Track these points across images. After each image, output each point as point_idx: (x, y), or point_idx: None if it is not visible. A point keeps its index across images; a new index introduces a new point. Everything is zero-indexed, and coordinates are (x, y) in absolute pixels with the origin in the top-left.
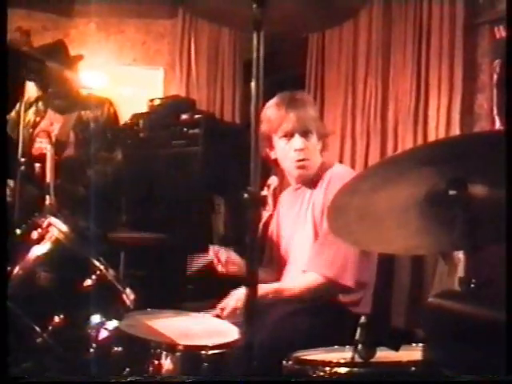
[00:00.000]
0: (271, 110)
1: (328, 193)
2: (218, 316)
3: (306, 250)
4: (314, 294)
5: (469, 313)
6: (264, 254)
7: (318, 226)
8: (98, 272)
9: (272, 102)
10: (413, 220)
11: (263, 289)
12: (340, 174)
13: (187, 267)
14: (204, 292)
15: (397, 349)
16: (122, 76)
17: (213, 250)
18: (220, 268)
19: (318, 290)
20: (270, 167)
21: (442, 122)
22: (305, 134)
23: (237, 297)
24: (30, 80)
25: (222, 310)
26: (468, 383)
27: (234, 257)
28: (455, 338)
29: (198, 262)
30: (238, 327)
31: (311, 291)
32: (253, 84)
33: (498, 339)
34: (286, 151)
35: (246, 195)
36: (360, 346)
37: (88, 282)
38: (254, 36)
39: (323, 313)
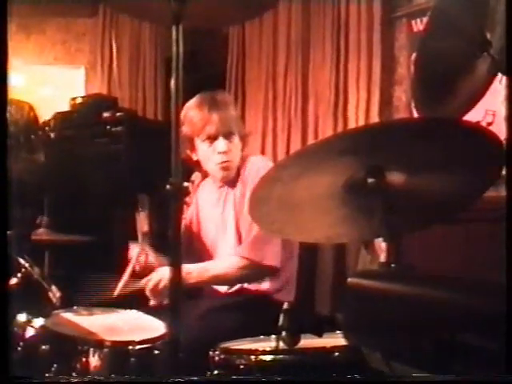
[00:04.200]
0: (193, 111)
1: (244, 189)
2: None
3: (231, 249)
4: (238, 276)
5: (387, 290)
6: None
7: (240, 227)
8: (23, 270)
9: (193, 102)
10: (333, 208)
11: (186, 269)
12: (254, 165)
13: (113, 265)
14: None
15: (320, 335)
16: (43, 76)
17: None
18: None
19: (242, 271)
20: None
21: (361, 115)
22: (228, 135)
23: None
24: None
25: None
26: (468, 383)
27: (153, 259)
28: (374, 316)
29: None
30: (163, 321)
31: (234, 273)
32: (173, 79)
33: (417, 316)
34: (209, 154)
35: (168, 186)
36: (284, 333)
37: (13, 281)
38: (173, 30)
39: (250, 305)
